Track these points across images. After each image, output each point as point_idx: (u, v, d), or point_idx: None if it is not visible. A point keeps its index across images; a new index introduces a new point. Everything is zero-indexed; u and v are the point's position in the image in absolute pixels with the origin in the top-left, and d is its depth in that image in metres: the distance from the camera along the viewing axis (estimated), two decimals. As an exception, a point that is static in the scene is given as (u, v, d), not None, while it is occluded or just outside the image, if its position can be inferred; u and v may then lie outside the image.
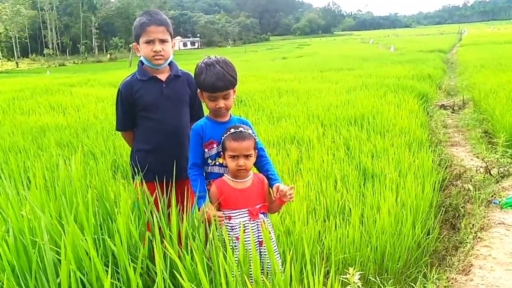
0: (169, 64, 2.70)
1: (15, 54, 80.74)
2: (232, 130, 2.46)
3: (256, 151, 2.55)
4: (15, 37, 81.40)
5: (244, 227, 2.43)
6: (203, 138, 2.57)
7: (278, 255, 2.59)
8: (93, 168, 5.35)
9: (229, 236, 2.36)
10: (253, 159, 2.51)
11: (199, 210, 2.43)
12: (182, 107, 2.76)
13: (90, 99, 12.59)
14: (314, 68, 21.19)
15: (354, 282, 2.85)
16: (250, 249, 2.32)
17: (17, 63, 74.43)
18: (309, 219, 3.81)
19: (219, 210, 2.49)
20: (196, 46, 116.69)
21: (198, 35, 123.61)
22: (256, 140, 2.53)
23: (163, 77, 2.68)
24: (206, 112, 2.87)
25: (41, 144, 7.01)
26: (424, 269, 3.38)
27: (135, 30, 2.62)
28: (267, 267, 2.26)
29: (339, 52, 39.64)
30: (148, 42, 2.56)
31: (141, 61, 2.68)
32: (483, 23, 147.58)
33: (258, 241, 2.44)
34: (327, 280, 2.78)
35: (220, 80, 2.46)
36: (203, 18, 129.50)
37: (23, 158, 6.14)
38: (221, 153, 2.54)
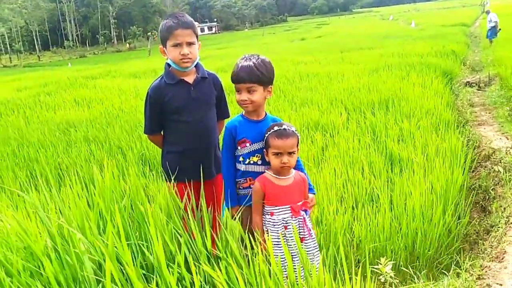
0: (195, 65, 2.71)
1: (37, 47, 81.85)
2: (276, 128, 2.48)
3: (298, 148, 2.56)
4: (36, 30, 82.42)
5: (286, 223, 2.46)
6: (236, 136, 2.60)
7: (318, 252, 2.62)
8: (122, 163, 5.45)
9: (271, 233, 2.41)
10: (296, 156, 2.53)
11: (228, 209, 2.56)
12: (209, 108, 2.79)
13: (113, 91, 12.73)
14: (334, 49, 20.96)
15: (386, 272, 2.86)
16: (292, 245, 2.37)
17: (38, 56, 75.50)
18: (338, 207, 3.82)
19: (263, 206, 2.53)
20: (213, 31, 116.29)
21: (215, 19, 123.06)
22: (299, 137, 2.54)
23: (190, 79, 2.70)
24: (233, 112, 2.91)
25: (69, 139, 7.14)
26: (456, 256, 3.36)
27: (161, 33, 2.63)
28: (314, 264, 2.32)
29: (358, 31, 39.06)
30: (176, 45, 2.58)
31: (167, 63, 2.70)
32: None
33: (300, 237, 2.46)
34: (358, 269, 2.80)
35: (244, 72, 2.49)
36: (219, 2, 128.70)
37: (53, 154, 6.28)
38: (264, 150, 2.55)
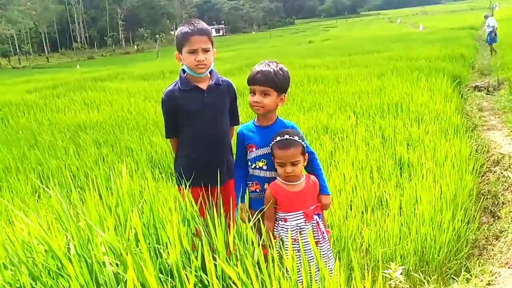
0: (209, 72, 2.75)
1: (45, 49, 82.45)
2: (278, 138, 2.49)
3: (307, 154, 2.57)
4: (44, 32, 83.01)
5: (300, 229, 2.49)
6: (244, 141, 2.69)
7: (332, 254, 2.65)
8: (132, 165, 5.49)
9: (285, 238, 2.45)
10: (301, 165, 2.54)
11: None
12: (222, 114, 2.83)
13: (122, 94, 12.82)
14: (342, 52, 20.95)
15: (396, 277, 2.88)
16: (307, 250, 2.39)
17: (47, 58, 76.04)
18: (347, 212, 3.84)
19: (275, 213, 2.57)
20: (221, 34, 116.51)
21: (223, 22, 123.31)
22: (304, 145, 2.54)
23: (204, 85, 2.74)
24: (246, 119, 2.96)
25: (78, 142, 7.21)
26: (465, 262, 3.37)
27: (177, 39, 2.67)
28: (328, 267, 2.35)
29: (366, 34, 39.03)
30: (192, 52, 2.62)
31: (182, 69, 2.75)
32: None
33: (315, 241, 2.48)
34: (368, 273, 2.82)
35: (262, 75, 2.55)
36: (227, 4, 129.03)
37: (64, 157, 6.34)
38: (272, 157, 2.58)
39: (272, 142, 2.52)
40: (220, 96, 2.79)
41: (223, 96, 2.81)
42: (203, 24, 2.67)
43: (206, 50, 2.64)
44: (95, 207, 1.96)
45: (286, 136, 2.48)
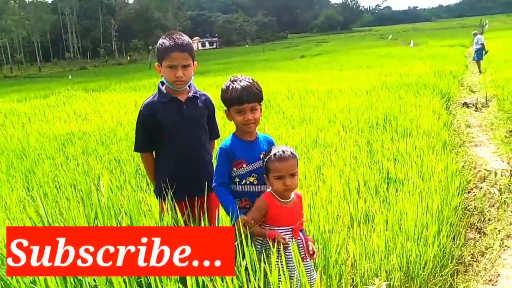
0: (188, 85, 2.76)
1: (38, 58, 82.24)
2: (275, 151, 2.47)
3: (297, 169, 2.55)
4: (37, 41, 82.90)
5: (287, 245, 2.45)
6: (233, 158, 2.58)
7: (315, 271, 2.63)
8: (119, 177, 5.46)
9: (268, 252, 2.42)
10: (297, 177, 2.51)
11: (235, 223, 2.46)
12: (200, 126, 2.82)
13: (112, 104, 12.77)
14: (333, 66, 21.14)
15: (380, 292, 2.86)
16: (290, 266, 2.37)
17: (39, 67, 75.78)
18: (333, 226, 3.83)
19: (262, 224, 2.51)
20: (214, 46, 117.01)
21: (216, 35, 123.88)
22: (298, 158, 2.54)
23: (182, 98, 2.75)
24: (225, 131, 2.95)
25: (67, 152, 7.16)
26: (450, 279, 3.37)
27: (158, 52, 2.67)
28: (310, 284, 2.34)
29: (358, 49, 39.36)
30: (171, 67, 2.62)
31: (161, 82, 2.75)
32: (505, 15, 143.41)
33: (301, 257, 2.46)
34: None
35: (246, 91, 2.50)
36: (221, 18, 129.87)
37: (52, 167, 6.28)
38: (264, 175, 2.53)
39: (267, 158, 2.48)
40: (198, 109, 2.79)
41: (202, 109, 2.81)
42: (184, 39, 2.65)
43: (185, 66, 2.64)
44: (75, 219, 1.95)
45: (283, 149, 2.47)
